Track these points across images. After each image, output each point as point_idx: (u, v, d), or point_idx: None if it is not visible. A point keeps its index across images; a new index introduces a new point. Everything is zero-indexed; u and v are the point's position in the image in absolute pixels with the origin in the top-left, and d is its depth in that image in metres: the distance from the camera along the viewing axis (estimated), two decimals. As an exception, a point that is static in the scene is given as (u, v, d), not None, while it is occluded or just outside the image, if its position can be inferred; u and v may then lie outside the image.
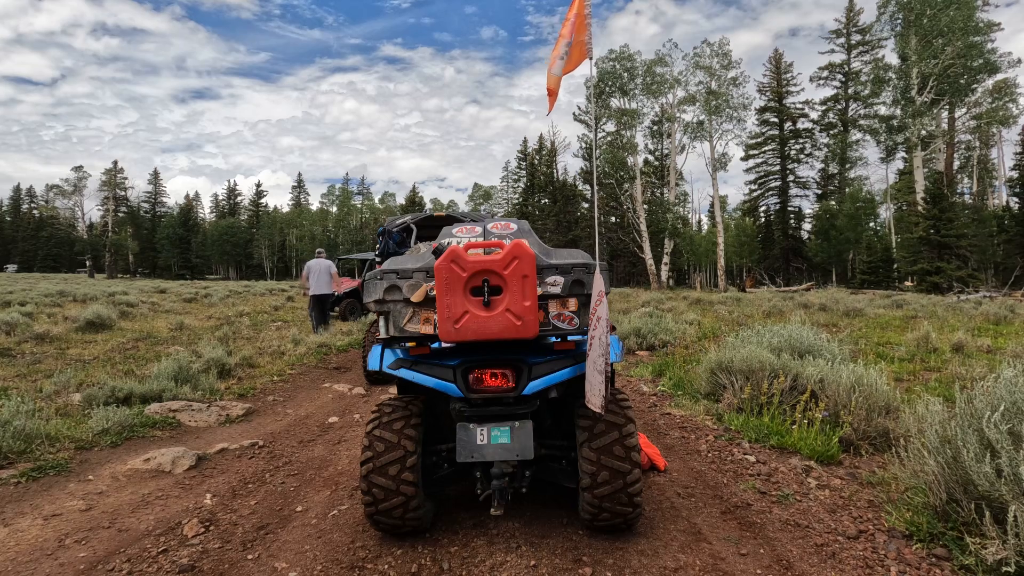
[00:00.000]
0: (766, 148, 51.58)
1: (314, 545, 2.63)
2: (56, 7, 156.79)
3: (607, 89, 36.25)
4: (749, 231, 50.90)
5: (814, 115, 49.30)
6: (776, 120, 50.59)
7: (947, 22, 28.00)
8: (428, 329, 2.35)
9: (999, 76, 31.07)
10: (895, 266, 33.74)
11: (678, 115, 38.22)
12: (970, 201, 43.95)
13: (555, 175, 61.64)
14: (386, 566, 2.42)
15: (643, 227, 37.01)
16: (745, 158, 51.93)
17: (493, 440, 2.40)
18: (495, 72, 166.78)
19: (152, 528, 2.83)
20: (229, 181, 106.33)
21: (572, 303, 2.34)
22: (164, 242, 75.73)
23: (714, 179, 37.40)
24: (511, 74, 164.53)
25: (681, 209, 42.71)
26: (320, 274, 10.47)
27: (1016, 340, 8.45)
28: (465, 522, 2.82)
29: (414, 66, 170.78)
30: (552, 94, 3.25)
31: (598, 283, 2.26)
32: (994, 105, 32.80)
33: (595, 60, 3.50)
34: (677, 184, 40.13)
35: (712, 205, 39.02)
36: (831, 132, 47.21)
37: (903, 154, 34.95)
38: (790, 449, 3.80)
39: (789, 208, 50.73)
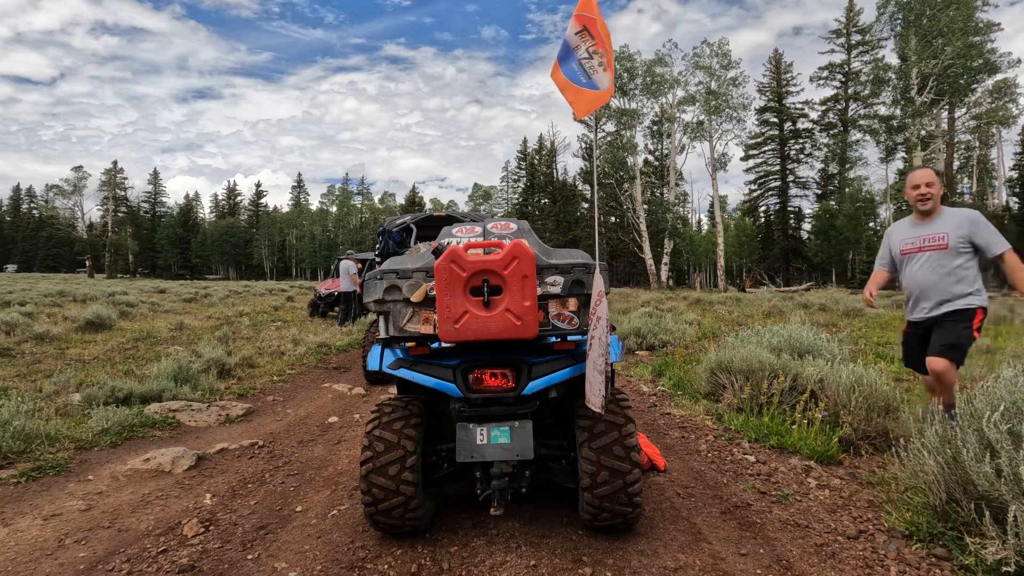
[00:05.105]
0: (766, 148, 51.57)
1: (314, 545, 2.63)
2: (55, 5, 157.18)
3: (607, 89, 36.18)
4: (749, 231, 50.90)
5: (814, 115, 49.35)
6: (776, 120, 50.59)
7: (947, 22, 27.99)
8: (428, 329, 2.35)
9: (999, 76, 31.08)
10: (895, 266, 33.60)
11: (678, 115, 38.23)
12: (970, 201, 43.95)
13: (555, 175, 61.63)
14: (386, 566, 2.42)
15: (643, 227, 37.01)
16: (745, 158, 51.96)
17: (493, 440, 2.40)
18: (497, 72, 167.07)
19: (152, 528, 2.83)
20: (229, 181, 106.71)
21: (572, 303, 2.33)
22: (164, 242, 75.80)
23: (714, 179, 37.41)
24: (513, 73, 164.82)
25: (681, 209, 42.77)
26: (343, 273, 12.09)
27: (1016, 340, 8.45)
28: (465, 522, 2.82)
29: (416, 66, 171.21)
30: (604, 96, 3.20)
31: (598, 283, 2.26)
32: (994, 105, 32.81)
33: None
34: (677, 184, 40.13)
35: (712, 205, 39.02)
36: (831, 132, 47.22)
37: (903, 154, 34.95)
38: (790, 449, 3.80)
39: (789, 208, 50.74)
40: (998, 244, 3.26)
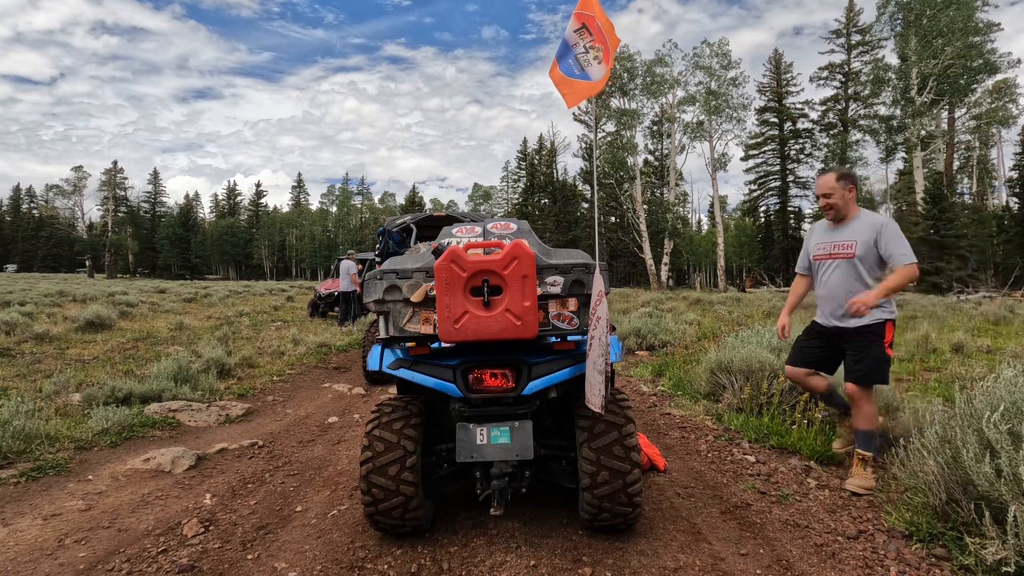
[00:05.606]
0: (766, 148, 51.55)
1: (314, 545, 2.63)
2: (55, 5, 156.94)
3: (607, 89, 36.25)
4: (749, 231, 50.93)
5: (814, 115, 49.25)
6: (776, 120, 50.56)
7: (947, 22, 28.01)
8: (428, 329, 2.35)
9: (999, 76, 31.14)
10: (895, 266, 33.62)
11: (678, 115, 38.23)
12: (970, 201, 43.97)
13: (555, 175, 61.63)
14: (386, 566, 2.42)
15: (643, 227, 37.01)
16: (745, 158, 51.94)
17: (493, 440, 2.40)
18: (497, 72, 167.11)
19: (152, 528, 2.83)
20: (229, 181, 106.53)
21: (572, 303, 2.33)
22: (164, 242, 75.77)
23: (714, 179, 37.43)
24: (513, 73, 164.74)
25: (681, 209, 42.73)
26: (344, 273, 12.20)
27: (1016, 340, 8.45)
28: (465, 522, 2.82)
29: (417, 66, 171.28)
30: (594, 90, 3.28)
31: (598, 283, 2.26)
32: (994, 105, 32.86)
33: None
34: (677, 184, 40.14)
35: (712, 205, 39.04)
36: (831, 132, 47.18)
37: (903, 154, 34.97)
38: (790, 449, 3.80)
39: (789, 208, 50.72)
40: (900, 256, 2.99)
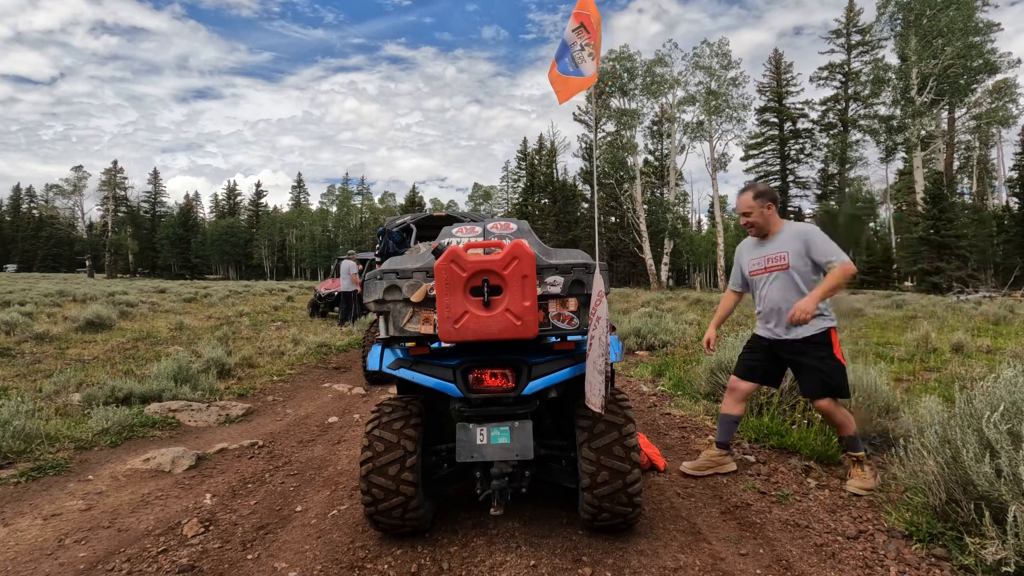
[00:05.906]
0: (766, 148, 51.55)
1: (314, 545, 2.63)
2: (55, 5, 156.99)
3: (607, 89, 36.27)
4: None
5: (814, 115, 49.27)
6: (776, 120, 50.56)
7: (947, 22, 28.03)
8: (428, 329, 2.35)
9: (999, 76, 31.18)
10: (895, 266, 33.76)
11: (678, 115, 38.24)
12: (970, 201, 43.96)
13: (555, 175, 61.63)
14: (386, 566, 2.42)
15: (643, 227, 37.02)
16: (745, 158, 51.95)
17: (493, 440, 2.40)
18: (497, 71, 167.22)
19: (152, 528, 2.83)
20: (229, 181, 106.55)
21: (572, 303, 2.33)
22: (164, 242, 75.82)
23: (714, 179, 37.45)
24: (513, 73, 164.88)
25: (681, 209, 42.72)
26: (344, 273, 12.29)
27: (1016, 340, 8.45)
28: (465, 522, 2.82)
29: (417, 66, 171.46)
30: (582, 86, 3.31)
31: (598, 283, 2.26)
32: (994, 105, 32.89)
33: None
34: (677, 184, 40.15)
35: (712, 205, 39.05)
36: (831, 132, 47.21)
37: (903, 154, 34.99)
38: (790, 449, 3.80)
39: (789, 208, 50.69)
40: (834, 258, 2.99)
